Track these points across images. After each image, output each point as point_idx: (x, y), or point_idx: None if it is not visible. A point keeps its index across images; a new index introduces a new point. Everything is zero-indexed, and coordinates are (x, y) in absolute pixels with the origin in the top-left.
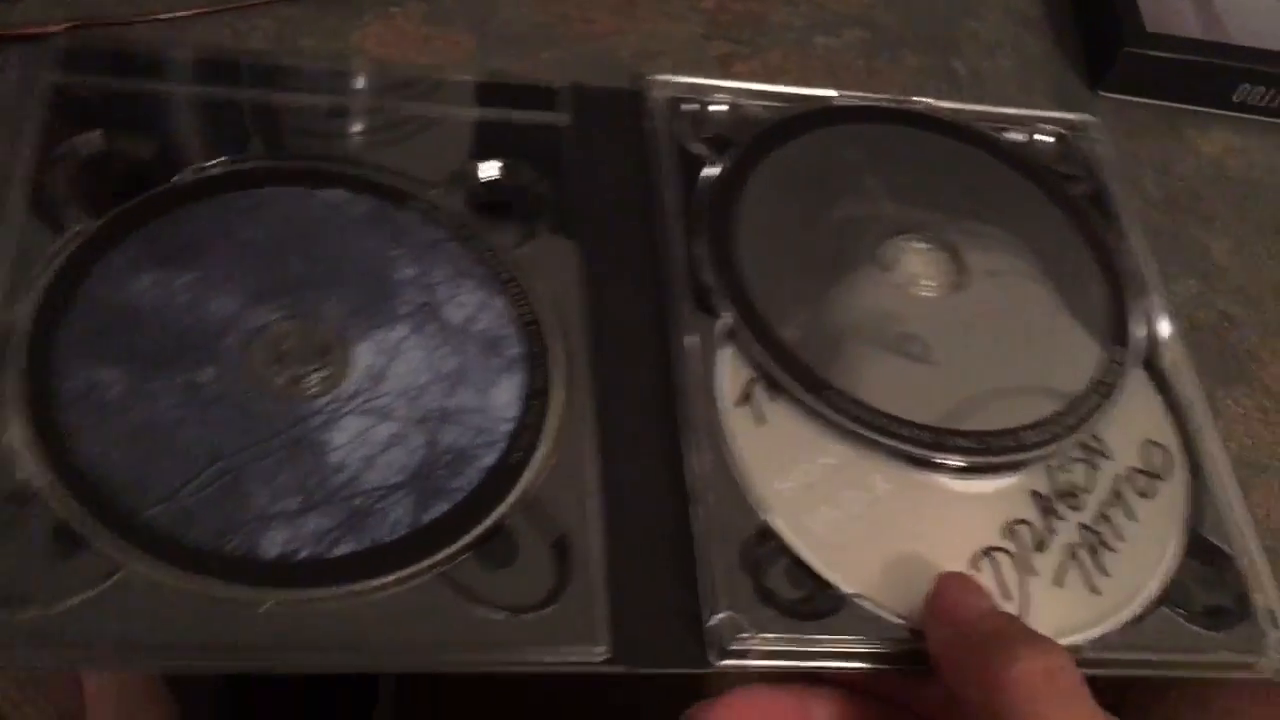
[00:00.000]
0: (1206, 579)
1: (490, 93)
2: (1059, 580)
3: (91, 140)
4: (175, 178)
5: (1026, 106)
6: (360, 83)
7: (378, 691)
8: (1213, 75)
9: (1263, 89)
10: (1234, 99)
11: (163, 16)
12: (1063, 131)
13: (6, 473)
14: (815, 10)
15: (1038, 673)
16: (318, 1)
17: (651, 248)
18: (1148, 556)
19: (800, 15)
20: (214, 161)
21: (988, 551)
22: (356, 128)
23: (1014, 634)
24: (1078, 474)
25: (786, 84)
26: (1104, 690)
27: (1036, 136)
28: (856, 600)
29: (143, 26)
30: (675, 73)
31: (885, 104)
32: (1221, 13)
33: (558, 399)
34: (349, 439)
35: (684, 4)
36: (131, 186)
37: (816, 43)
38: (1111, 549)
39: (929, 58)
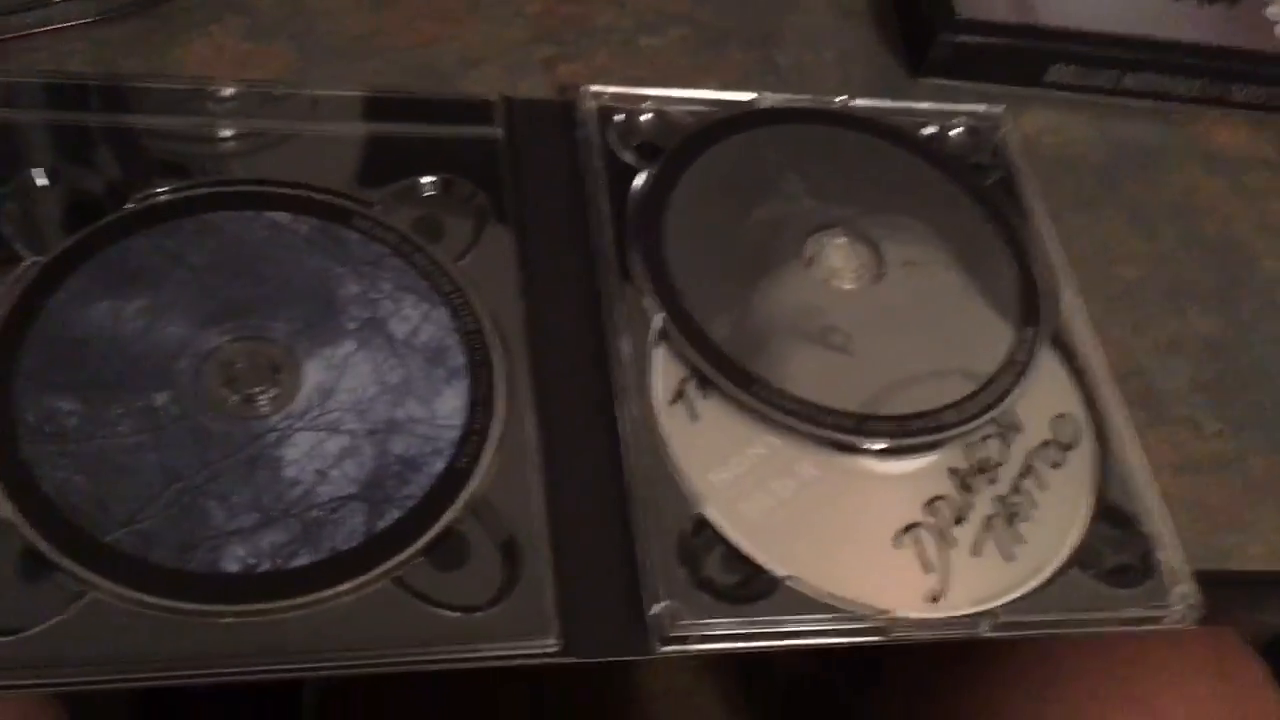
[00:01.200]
0: (1114, 541)
1: (426, 108)
2: (977, 550)
3: (38, 175)
4: (125, 206)
5: (848, 94)
6: (295, 104)
7: (300, 706)
8: (1024, 57)
9: (1074, 68)
10: (1046, 79)
11: None
12: (974, 124)
13: None
14: (640, 12)
15: None
16: (134, 22)
17: (587, 255)
18: (1059, 523)
19: (626, 16)
20: (161, 189)
21: (910, 528)
22: (295, 149)
23: None
24: (992, 449)
25: (621, 84)
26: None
27: (950, 130)
28: (789, 582)
29: None
30: (500, 76)
31: (805, 105)
32: None
33: (501, 405)
34: (302, 454)
35: (509, 9)
36: (82, 217)
37: (641, 43)
38: (1025, 518)
39: (752, 52)
